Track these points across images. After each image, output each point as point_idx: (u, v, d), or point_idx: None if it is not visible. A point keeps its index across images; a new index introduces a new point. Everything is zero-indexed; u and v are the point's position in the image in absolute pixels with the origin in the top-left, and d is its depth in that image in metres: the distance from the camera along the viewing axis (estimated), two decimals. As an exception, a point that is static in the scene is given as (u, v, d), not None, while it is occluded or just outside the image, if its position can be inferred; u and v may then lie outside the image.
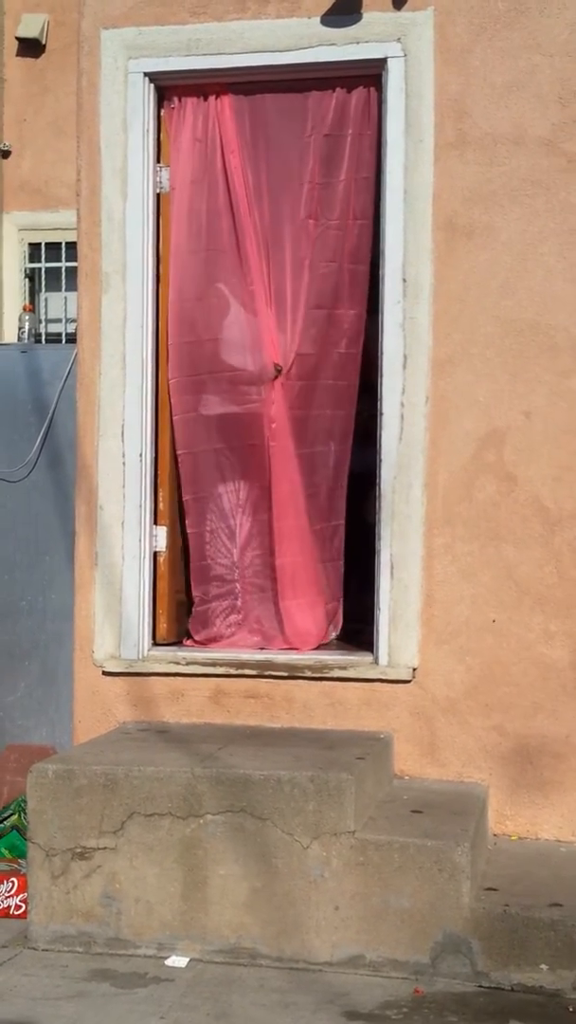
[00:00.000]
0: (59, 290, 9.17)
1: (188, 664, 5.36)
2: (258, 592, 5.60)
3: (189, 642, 5.59)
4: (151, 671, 5.38)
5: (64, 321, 9.01)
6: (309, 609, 5.54)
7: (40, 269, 9.39)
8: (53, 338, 9.01)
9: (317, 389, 5.51)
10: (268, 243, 5.48)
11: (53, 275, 9.31)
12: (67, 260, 8.96)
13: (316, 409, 5.52)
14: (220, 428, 5.57)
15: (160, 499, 5.53)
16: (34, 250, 9.38)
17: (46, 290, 9.31)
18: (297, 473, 5.53)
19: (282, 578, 5.53)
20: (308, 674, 5.26)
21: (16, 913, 4.92)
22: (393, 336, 5.19)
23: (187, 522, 5.58)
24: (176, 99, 5.48)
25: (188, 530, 5.59)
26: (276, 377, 5.49)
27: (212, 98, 5.45)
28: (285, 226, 5.45)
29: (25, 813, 4.83)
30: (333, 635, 5.62)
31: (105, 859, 4.55)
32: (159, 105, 5.49)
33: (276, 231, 5.47)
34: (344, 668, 5.24)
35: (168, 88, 5.47)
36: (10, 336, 8.83)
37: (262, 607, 5.59)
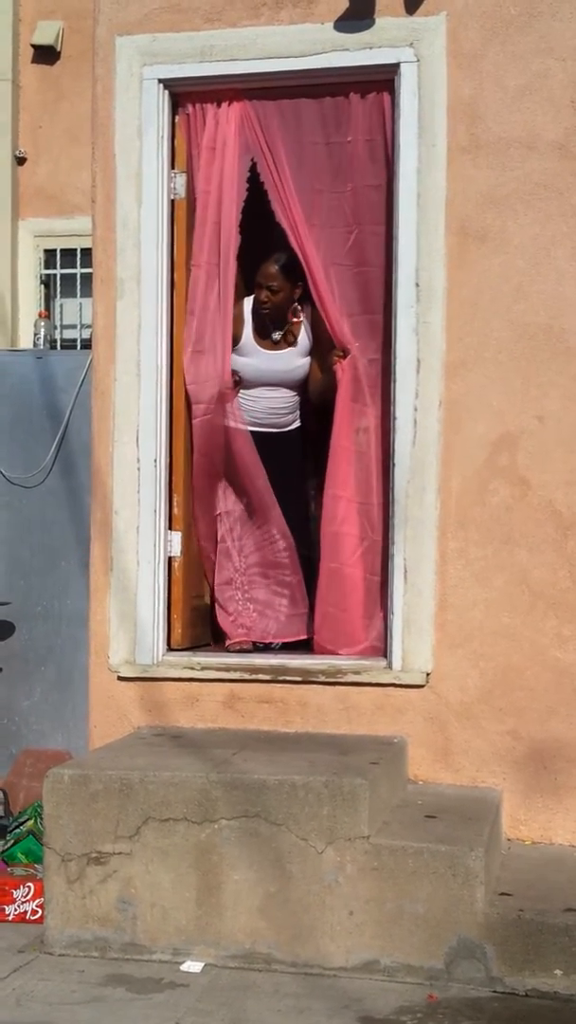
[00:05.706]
0: (74, 296, 9.20)
1: (202, 669, 5.37)
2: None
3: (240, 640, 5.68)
4: (166, 676, 5.39)
5: (79, 327, 9.04)
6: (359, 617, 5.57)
7: (55, 275, 9.42)
8: (68, 344, 9.04)
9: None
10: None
11: (68, 281, 9.34)
12: (82, 266, 9.00)
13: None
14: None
15: (175, 504, 5.54)
16: (49, 256, 9.41)
17: (61, 296, 9.34)
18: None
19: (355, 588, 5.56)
20: (322, 679, 5.26)
21: (32, 918, 4.93)
22: (406, 340, 5.19)
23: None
24: (190, 105, 5.50)
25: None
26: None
27: (226, 104, 5.46)
28: (300, 231, 5.46)
29: (41, 818, 4.85)
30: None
31: (121, 864, 4.56)
32: (173, 111, 5.50)
33: (293, 236, 5.48)
34: (358, 672, 5.24)
35: (182, 94, 5.48)
36: (25, 342, 8.87)
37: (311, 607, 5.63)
